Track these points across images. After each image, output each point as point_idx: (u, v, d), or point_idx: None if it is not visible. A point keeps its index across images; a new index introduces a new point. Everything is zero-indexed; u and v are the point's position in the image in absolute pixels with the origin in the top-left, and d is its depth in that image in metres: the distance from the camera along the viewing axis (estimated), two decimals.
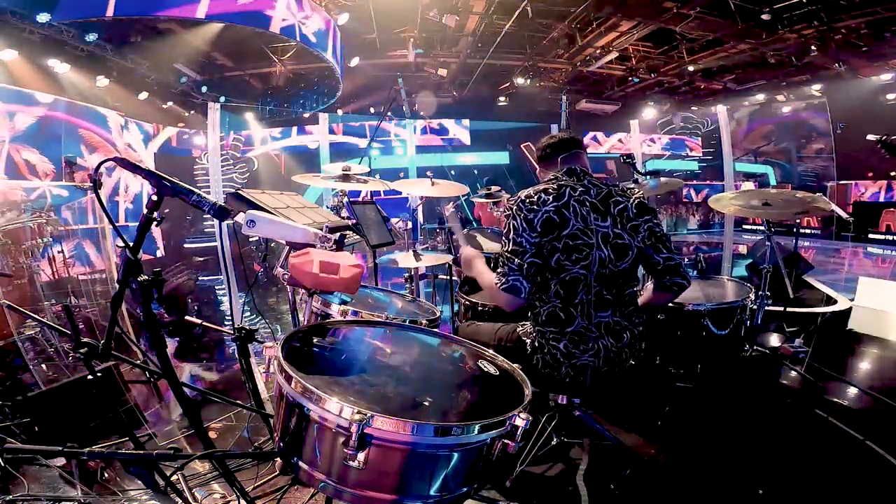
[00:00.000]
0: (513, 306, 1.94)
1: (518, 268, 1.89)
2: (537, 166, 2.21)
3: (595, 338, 1.94)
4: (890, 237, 9.95)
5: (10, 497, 1.86)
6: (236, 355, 2.06)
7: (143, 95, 7.70)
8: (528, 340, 2.04)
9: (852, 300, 4.32)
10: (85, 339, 1.65)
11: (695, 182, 13.62)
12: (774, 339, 3.63)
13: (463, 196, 4.34)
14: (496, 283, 1.92)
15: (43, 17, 5.10)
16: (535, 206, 1.91)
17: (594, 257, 1.90)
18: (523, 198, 1.95)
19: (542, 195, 1.93)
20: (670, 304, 2.74)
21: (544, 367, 1.98)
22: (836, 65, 8.10)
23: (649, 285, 2.95)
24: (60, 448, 1.65)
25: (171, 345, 4.15)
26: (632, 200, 2.01)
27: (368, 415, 1.04)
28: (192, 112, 9.00)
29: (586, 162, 2.11)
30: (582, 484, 2.12)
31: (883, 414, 2.76)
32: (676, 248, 2.06)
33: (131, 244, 1.50)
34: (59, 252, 4.58)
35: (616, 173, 12.55)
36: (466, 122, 12.24)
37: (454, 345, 1.61)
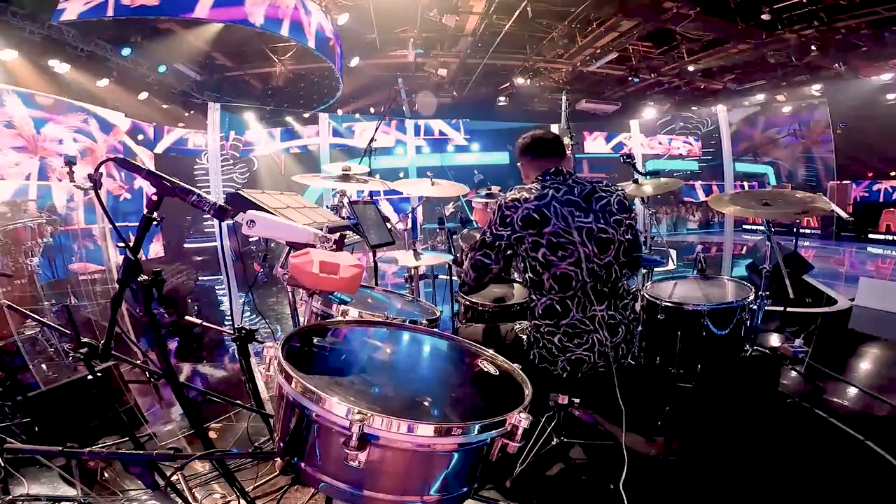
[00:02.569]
0: (484, 281, 2.11)
1: (484, 245, 2.04)
2: (520, 160, 2.25)
3: (589, 331, 1.96)
4: (890, 237, 9.95)
5: (10, 497, 1.86)
6: (236, 355, 2.06)
7: (143, 95, 7.70)
8: (525, 336, 2.07)
9: (852, 300, 4.32)
10: (85, 339, 1.65)
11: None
12: (774, 339, 3.62)
13: (463, 196, 4.34)
14: (469, 265, 2.08)
15: (44, 18, 5.10)
16: (515, 204, 1.99)
17: (580, 254, 1.96)
18: (508, 197, 2.05)
19: (525, 194, 2.02)
20: (670, 304, 2.75)
21: (541, 361, 2.01)
22: (836, 65, 8.10)
23: (649, 284, 2.96)
24: (60, 448, 1.65)
25: (171, 345, 4.14)
26: (614, 196, 2.07)
27: (368, 415, 1.04)
28: (192, 112, 8.99)
29: (571, 164, 2.20)
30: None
31: (883, 414, 2.76)
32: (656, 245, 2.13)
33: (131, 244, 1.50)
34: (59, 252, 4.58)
35: (616, 174, 12.54)
36: (464, 122, 12.25)
37: (454, 344, 1.61)
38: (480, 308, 2.80)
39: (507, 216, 2.00)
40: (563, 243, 1.95)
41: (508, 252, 2.03)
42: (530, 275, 2.03)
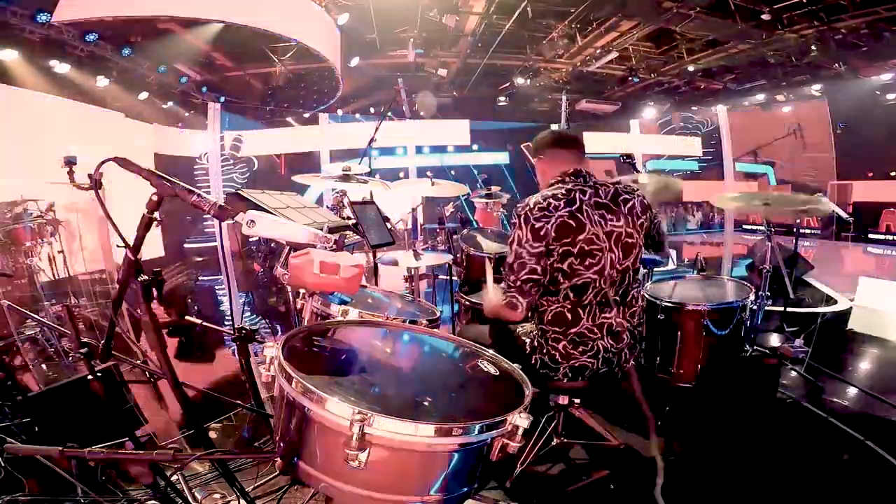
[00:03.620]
0: (511, 319, 1.98)
1: (514, 284, 1.89)
2: (537, 157, 2.12)
3: (595, 338, 1.95)
4: (890, 237, 9.94)
5: (10, 497, 1.85)
6: (236, 355, 2.06)
7: (143, 95, 7.70)
8: (528, 340, 2.05)
9: (852, 300, 4.32)
10: (85, 339, 1.65)
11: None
12: (774, 339, 3.62)
13: (463, 196, 4.34)
14: (501, 302, 1.95)
15: (43, 17, 5.09)
16: (546, 213, 1.87)
17: (606, 260, 1.90)
18: (532, 205, 1.90)
19: (552, 201, 1.89)
20: (670, 304, 2.75)
21: (542, 367, 1.98)
22: (836, 65, 8.09)
23: (649, 284, 2.96)
24: (60, 448, 1.65)
25: (170, 345, 4.14)
26: (637, 198, 2.01)
27: (369, 415, 1.04)
28: (192, 112, 8.99)
29: (590, 166, 2.08)
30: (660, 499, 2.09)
31: (883, 414, 2.76)
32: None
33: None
34: (59, 252, 4.58)
35: (616, 173, 12.54)
36: (466, 121, 12.24)
37: (454, 344, 1.61)
38: (481, 308, 2.80)
39: (540, 228, 1.86)
40: (594, 250, 1.88)
41: (531, 278, 1.88)
42: (547, 283, 1.94)
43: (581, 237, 1.87)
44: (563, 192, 1.92)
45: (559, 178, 1.99)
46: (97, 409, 2.42)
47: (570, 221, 1.86)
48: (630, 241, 1.95)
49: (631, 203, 1.98)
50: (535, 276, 1.88)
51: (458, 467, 1.14)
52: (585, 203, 1.90)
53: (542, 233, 1.85)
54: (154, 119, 8.51)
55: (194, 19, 5.59)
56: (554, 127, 10.92)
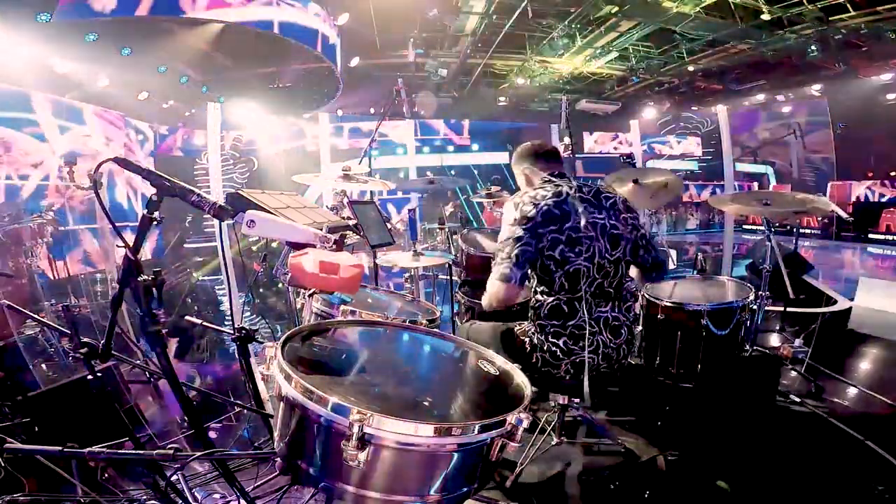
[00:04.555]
0: (507, 296, 1.96)
1: (507, 256, 1.94)
2: (520, 167, 2.24)
3: (594, 333, 1.96)
4: (890, 237, 9.94)
5: (10, 497, 1.85)
6: (236, 355, 2.06)
7: (143, 95, 7.70)
8: (527, 339, 2.05)
9: (852, 300, 4.32)
10: (85, 339, 1.65)
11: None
12: (774, 339, 3.62)
13: (462, 196, 4.34)
14: (494, 278, 1.97)
15: (43, 17, 5.09)
16: (534, 202, 1.98)
17: (595, 249, 1.97)
18: (521, 195, 2.05)
19: (541, 192, 2.02)
20: (670, 304, 2.75)
21: (544, 364, 1.99)
22: (836, 65, 8.11)
23: (649, 284, 2.96)
24: (60, 448, 1.65)
25: (170, 345, 4.14)
26: (618, 196, 2.13)
27: (368, 414, 1.04)
28: (192, 112, 8.99)
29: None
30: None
31: (883, 414, 2.76)
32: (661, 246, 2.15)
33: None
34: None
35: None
36: (466, 122, 12.25)
37: (454, 344, 1.61)
38: (481, 308, 2.80)
39: (528, 211, 1.96)
40: (581, 238, 1.96)
41: (526, 249, 1.93)
42: (539, 273, 2.00)
43: (567, 225, 1.96)
44: (552, 187, 2.05)
45: (546, 180, 2.10)
46: (97, 409, 2.42)
47: (556, 210, 1.96)
48: (616, 232, 2.02)
49: (612, 200, 2.09)
50: (528, 248, 1.93)
51: (457, 467, 1.14)
52: (571, 196, 2.01)
53: (529, 215, 1.96)
54: (154, 119, 8.51)
55: (194, 19, 5.59)
56: (553, 128, 10.93)
